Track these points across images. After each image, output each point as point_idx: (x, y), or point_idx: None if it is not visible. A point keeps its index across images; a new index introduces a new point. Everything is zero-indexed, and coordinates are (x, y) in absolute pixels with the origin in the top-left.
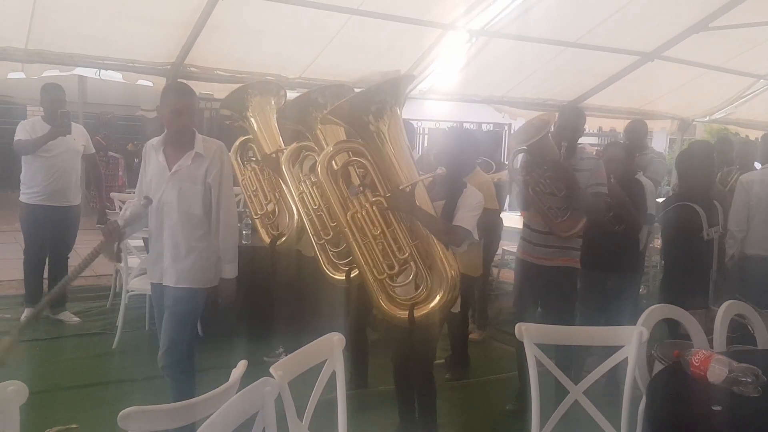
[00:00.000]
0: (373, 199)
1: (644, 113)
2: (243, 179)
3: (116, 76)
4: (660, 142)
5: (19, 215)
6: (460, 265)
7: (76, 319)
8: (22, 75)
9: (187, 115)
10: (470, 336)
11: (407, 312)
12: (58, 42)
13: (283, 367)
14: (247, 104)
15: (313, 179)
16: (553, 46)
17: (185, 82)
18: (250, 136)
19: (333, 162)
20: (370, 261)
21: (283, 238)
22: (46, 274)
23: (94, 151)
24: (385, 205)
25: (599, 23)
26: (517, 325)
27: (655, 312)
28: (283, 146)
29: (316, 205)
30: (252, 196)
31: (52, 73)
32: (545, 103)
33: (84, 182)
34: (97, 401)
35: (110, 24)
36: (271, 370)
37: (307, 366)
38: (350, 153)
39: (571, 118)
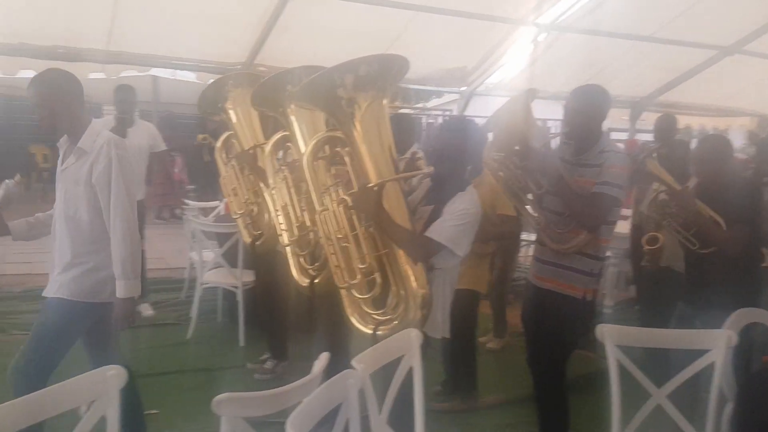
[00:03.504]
0: (340, 197)
1: (722, 110)
2: (223, 177)
3: (190, 76)
4: (738, 140)
5: None
6: (464, 280)
7: (151, 311)
8: (102, 75)
9: (43, 107)
10: (488, 345)
11: (374, 330)
12: (136, 43)
13: (365, 360)
14: (225, 97)
15: (285, 173)
16: (627, 41)
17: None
18: (233, 132)
19: (317, 153)
20: (337, 266)
21: (262, 239)
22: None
23: (164, 148)
24: (349, 204)
25: (676, 16)
26: (598, 327)
27: (743, 315)
28: (262, 141)
29: (283, 203)
30: (231, 195)
31: (129, 73)
32: (617, 99)
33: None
34: (174, 389)
35: (184, 25)
36: (353, 362)
37: (386, 360)
38: (331, 144)
39: (578, 100)
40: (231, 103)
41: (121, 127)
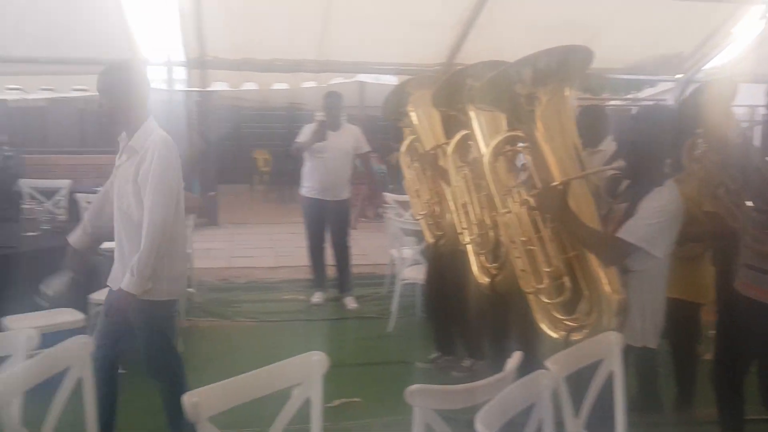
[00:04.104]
0: (523, 198)
1: None
2: (406, 180)
3: (392, 80)
4: None
5: (301, 207)
6: (677, 288)
7: (355, 304)
8: (313, 84)
9: (105, 97)
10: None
11: (564, 337)
12: (344, 51)
13: (560, 361)
14: (407, 100)
15: (465, 171)
16: None
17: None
18: (415, 135)
19: (498, 155)
20: (523, 270)
21: (444, 239)
22: (331, 261)
23: (368, 149)
24: (533, 205)
25: None
26: None
27: None
28: (443, 141)
29: (463, 201)
30: (414, 196)
31: (338, 80)
32: None
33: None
34: (376, 379)
35: (387, 31)
36: (548, 363)
37: (582, 363)
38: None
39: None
40: (412, 105)
41: (321, 130)
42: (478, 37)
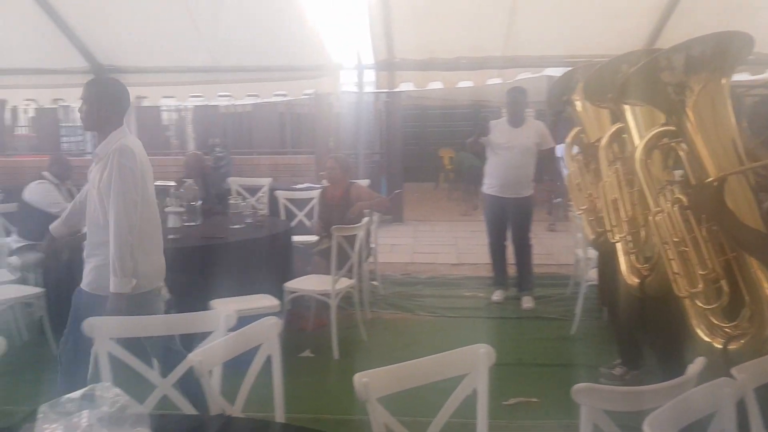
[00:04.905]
0: (675, 197)
1: None
2: (568, 173)
3: None
4: None
5: (482, 205)
6: None
7: (531, 304)
8: (499, 80)
9: (82, 106)
10: None
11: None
12: (531, 46)
13: (748, 370)
14: (572, 89)
15: (617, 166)
16: None
17: None
18: (580, 127)
19: (651, 151)
20: (676, 273)
21: (604, 236)
22: (512, 260)
23: (551, 146)
24: (685, 204)
25: None
26: None
27: None
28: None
29: (613, 197)
30: (575, 190)
31: (524, 76)
32: None
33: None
34: (555, 381)
35: (577, 22)
36: (734, 371)
37: None
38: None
39: None
40: (578, 95)
41: (481, 126)
42: (679, 23)
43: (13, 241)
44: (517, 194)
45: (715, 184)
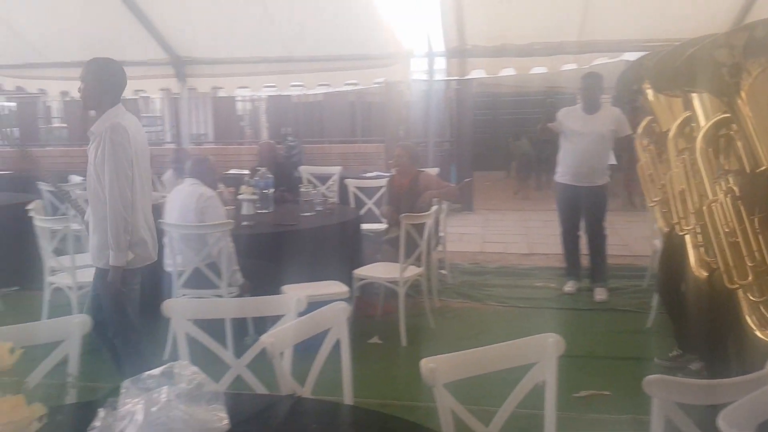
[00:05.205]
0: (728, 186)
1: None
2: (640, 164)
3: None
4: None
5: (554, 193)
6: None
7: (605, 296)
8: (574, 66)
9: (81, 86)
10: None
11: None
12: (608, 30)
13: None
14: (642, 77)
15: (684, 156)
16: None
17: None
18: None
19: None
20: (727, 264)
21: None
22: (585, 250)
23: (629, 133)
24: (737, 195)
25: None
26: None
27: None
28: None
29: (680, 188)
30: (648, 181)
31: (601, 61)
32: None
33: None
34: (628, 375)
35: (657, 5)
36: None
37: None
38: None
39: None
40: (648, 83)
41: (550, 111)
42: None
43: None
44: (592, 183)
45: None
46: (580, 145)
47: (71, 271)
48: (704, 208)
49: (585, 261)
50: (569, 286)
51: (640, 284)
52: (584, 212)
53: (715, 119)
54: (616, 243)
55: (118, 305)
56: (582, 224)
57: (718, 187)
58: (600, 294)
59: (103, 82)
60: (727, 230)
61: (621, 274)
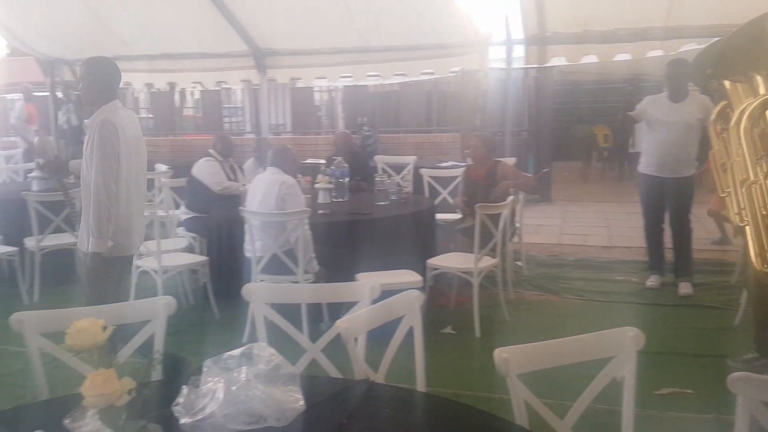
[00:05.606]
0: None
1: None
2: (713, 151)
3: None
4: None
5: (638, 185)
6: None
7: (690, 291)
8: (660, 52)
9: (79, 83)
10: None
11: None
12: (696, 15)
13: None
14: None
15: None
16: None
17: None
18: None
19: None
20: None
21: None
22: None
23: None
24: None
25: None
26: None
27: None
28: None
29: (741, 177)
30: (720, 171)
31: (688, 47)
32: None
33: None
34: (713, 373)
35: None
36: None
37: None
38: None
39: None
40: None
41: (632, 100)
42: None
43: (182, 213)
44: (677, 174)
45: None
46: (665, 134)
47: (157, 255)
48: (742, 189)
49: (669, 255)
50: (652, 281)
51: (728, 280)
52: (669, 204)
53: (762, 98)
54: (704, 237)
55: (97, 291)
56: (666, 217)
57: (759, 168)
58: (685, 288)
59: (98, 80)
60: (764, 213)
61: (708, 269)
